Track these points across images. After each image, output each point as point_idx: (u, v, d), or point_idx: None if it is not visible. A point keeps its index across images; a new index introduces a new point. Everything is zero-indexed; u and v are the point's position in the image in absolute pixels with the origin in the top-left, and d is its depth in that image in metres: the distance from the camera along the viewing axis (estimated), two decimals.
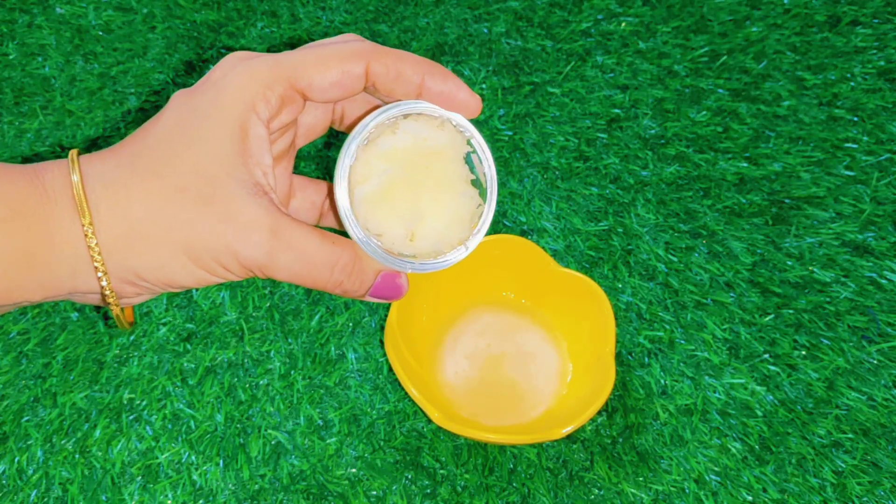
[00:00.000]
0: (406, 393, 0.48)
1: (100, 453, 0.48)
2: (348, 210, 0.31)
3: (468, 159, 0.32)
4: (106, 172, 0.28)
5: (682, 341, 0.52)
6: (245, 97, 0.28)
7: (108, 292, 0.28)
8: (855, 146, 0.61)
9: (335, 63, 0.29)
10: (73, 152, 0.29)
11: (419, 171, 0.31)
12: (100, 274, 0.28)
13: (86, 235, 0.27)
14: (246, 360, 0.52)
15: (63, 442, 0.49)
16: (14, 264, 0.27)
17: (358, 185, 0.31)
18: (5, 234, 0.27)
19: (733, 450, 0.48)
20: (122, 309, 0.30)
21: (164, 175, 0.28)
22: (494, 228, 0.57)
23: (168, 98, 0.31)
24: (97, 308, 0.53)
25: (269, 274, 0.29)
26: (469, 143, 0.32)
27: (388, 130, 0.31)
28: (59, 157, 0.61)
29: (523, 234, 0.57)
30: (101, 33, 0.68)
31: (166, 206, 0.27)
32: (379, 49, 0.30)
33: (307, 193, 0.35)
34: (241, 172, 0.28)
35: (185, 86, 0.65)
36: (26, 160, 0.60)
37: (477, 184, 0.33)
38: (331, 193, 0.35)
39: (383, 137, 0.31)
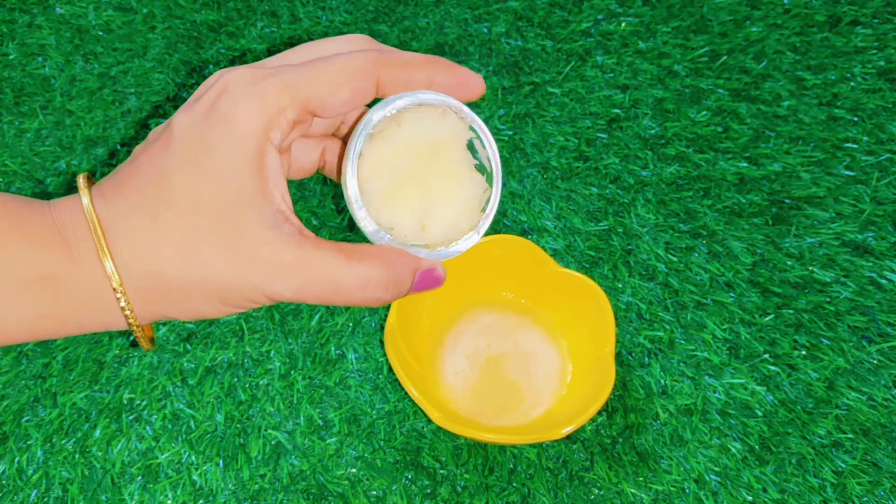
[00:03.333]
0: (406, 393, 0.48)
1: (100, 453, 0.48)
2: (360, 205, 0.31)
3: (470, 145, 0.33)
4: (125, 219, 0.28)
5: (682, 341, 0.52)
6: (258, 126, 0.28)
7: (138, 334, 0.30)
8: (855, 146, 0.61)
9: (346, 82, 0.29)
10: (83, 185, 0.28)
11: (425, 163, 0.32)
12: (131, 321, 0.29)
13: (115, 292, 0.28)
14: (246, 360, 0.52)
15: (63, 442, 0.49)
16: (44, 323, 0.28)
17: (367, 181, 0.31)
18: (34, 295, 0.27)
19: (733, 450, 0.48)
20: (146, 336, 0.31)
21: (186, 221, 0.28)
22: (495, 228, 0.57)
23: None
24: None
25: (301, 302, 0.30)
26: (472, 129, 0.33)
27: (392, 123, 0.31)
28: (58, 157, 0.61)
29: (523, 233, 0.57)
30: (101, 33, 0.68)
31: (193, 258, 0.28)
32: (386, 59, 0.30)
33: (303, 154, 0.35)
34: (260, 204, 0.28)
35: (185, 86, 0.65)
36: (26, 160, 0.60)
37: (481, 168, 0.33)
38: (339, 176, 0.35)
39: (387, 131, 0.31)
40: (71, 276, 0.28)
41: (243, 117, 0.28)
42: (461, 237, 0.33)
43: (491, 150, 0.33)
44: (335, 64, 0.29)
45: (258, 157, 0.28)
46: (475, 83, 0.32)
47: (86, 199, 0.28)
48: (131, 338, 0.53)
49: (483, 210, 0.33)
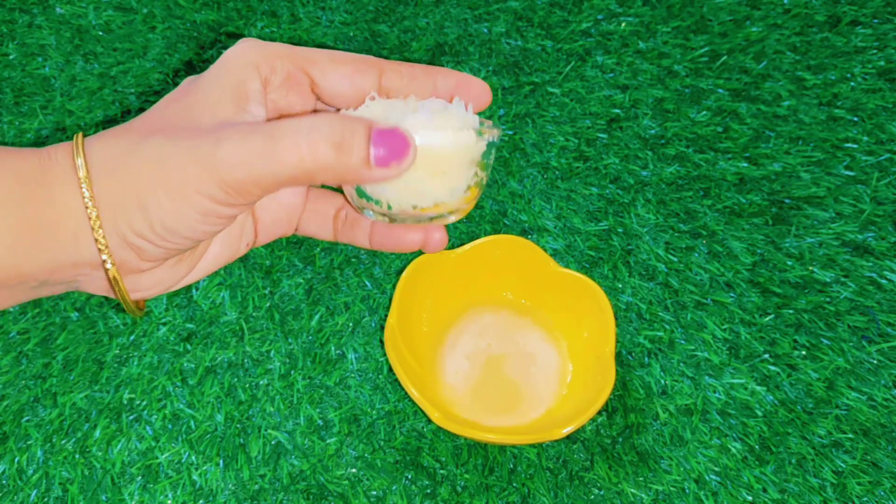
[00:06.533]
0: (406, 393, 0.48)
1: (100, 453, 0.48)
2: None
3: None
4: (108, 143, 0.28)
5: (682, 341, 0.52)
6: (248, 60, 0.29)
7: (103, 248, 0.27)
8: (855, 146, 0.61)
9: (350, 60, 0.30)
10: (80, 134, 0.29)
11: (408, 107, 0.30)
12: (94, 228, 0.27)
13: (80, 187, 0.27)
14: (246, 360, 0.52)
15: (63, 442, 0.49)
16: (22, 231, 0.27)
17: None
18: (12, 202, 0.27)
19: (733, 450, 0.48)
20: (116, 267, 0.29)
21: (155, 125, 0.28)
22: (495, 228, 0.57)
23: None
24: (100, 306, 0.53)
25: (249, 178, 0.26)
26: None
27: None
28: None
29: (523, 233, 0.57)
30: (101, 33, 0.68)
31: (147, 148, 0.27)
32: (390, 62, 0.31)
33: (319, 205, 0.35)
34: (227, 113, 0.28)
35: None
36: None
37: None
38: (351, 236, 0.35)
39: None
40: (46, 177, 0.27)
41: (235, 55, 0.29)
42: (448, 132, 0.28)
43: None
44: (341, 52, 0.31)
45: (238, 83, 0.28)
46: (479, 88, 0.31)
47: (78, 135, 0.28)
48: (136, 330, 0.53)
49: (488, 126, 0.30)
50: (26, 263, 0.27)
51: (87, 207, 0.27)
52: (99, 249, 0.27)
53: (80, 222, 0.27)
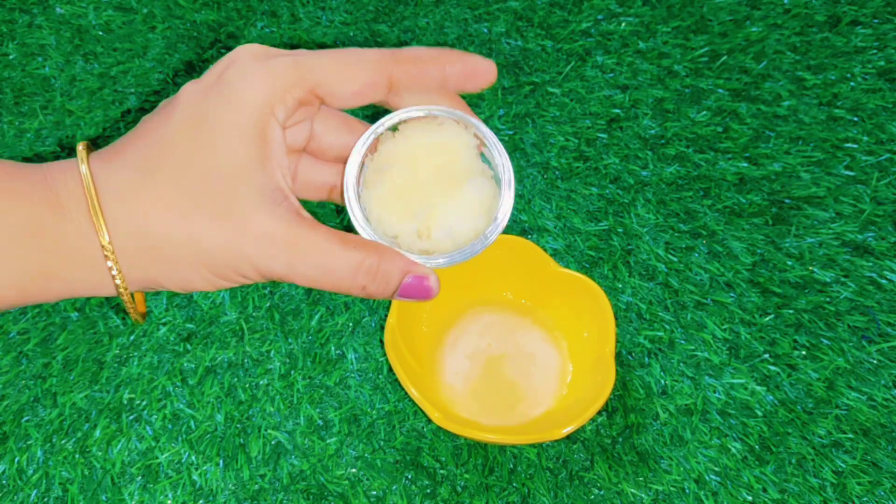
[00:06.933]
0: (406, 393, 0.48)
1: (100, 453, 0.48)
2: (362, 218, 0.31)
3: (483, 159, 0.32)
4: (120, 180, 0.28)
5: (682, 341, 0.52)
6: (263, 100, 0.28)
7: (125, 299, 0.29)
8: (855, 146, 0.61)
9: (358, 73, 0.29)
10: (82, 150, 0.28)
11: (427, 167, 0.31)
12: (118, 281, 0.28)
13: (103, 250, 0.27)
14: (246, 360, 0.52)
15: (63, 442, 0.49)
16: (33, 281, 0.27)
17: (367, 189, 0.31)
18: (23, 250, 0.27)
19: (733, 450, 0.48)
20: (135, 307, 0.30)
21: (181, 186, 0.27)
22: None
23: (170, 96, 0.31)
24: (100, 306, 0.53)
25: (290, 281, 0.29)
26: (476, 136, 0.32)
27: (390, 136, 0.31)
28: (59, 157, 0.61)
29: (524, 233, 0.57)
30: (101, 33, 0.68)
31: (184, 222, 0.27)
32: (398, 56, 0.30)
33: (315, 172, 0.34)
34: (259, 178, 0.28)
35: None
36: (26, 160, 0.60)
37: (495, 179, 0.32)
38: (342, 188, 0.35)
39: (386, 144, 0.31)
40: (60, 231, 0.27)
41: (248, 90, 0.28)
42: (467, 241, 0.31)
43: (501, 157, 0.32)
44: (349, 54, 0.29)
45: (260, 131, 0.28)
46: (486, 69, 0.31)
47: (83, 163, 0.28)
48: (127, 320, 0.53)
49: (495, 218, 0.31)
50: (36, 300, 0.28)
51: (112, 275, 0.28)
52: (122, 301, 0.29)
53: (100, 274, 0.28)
